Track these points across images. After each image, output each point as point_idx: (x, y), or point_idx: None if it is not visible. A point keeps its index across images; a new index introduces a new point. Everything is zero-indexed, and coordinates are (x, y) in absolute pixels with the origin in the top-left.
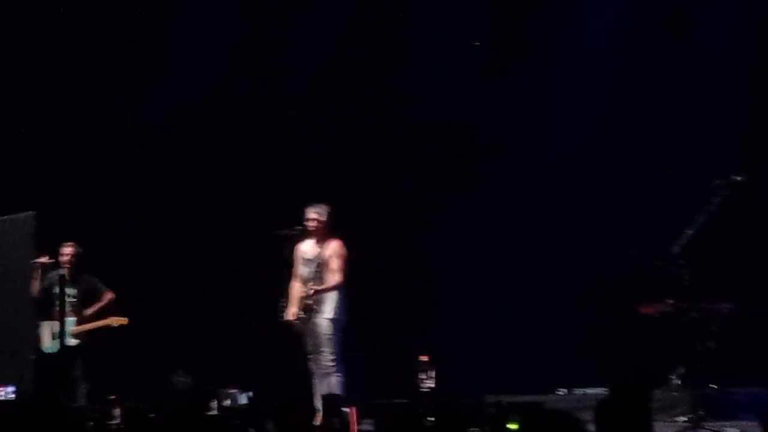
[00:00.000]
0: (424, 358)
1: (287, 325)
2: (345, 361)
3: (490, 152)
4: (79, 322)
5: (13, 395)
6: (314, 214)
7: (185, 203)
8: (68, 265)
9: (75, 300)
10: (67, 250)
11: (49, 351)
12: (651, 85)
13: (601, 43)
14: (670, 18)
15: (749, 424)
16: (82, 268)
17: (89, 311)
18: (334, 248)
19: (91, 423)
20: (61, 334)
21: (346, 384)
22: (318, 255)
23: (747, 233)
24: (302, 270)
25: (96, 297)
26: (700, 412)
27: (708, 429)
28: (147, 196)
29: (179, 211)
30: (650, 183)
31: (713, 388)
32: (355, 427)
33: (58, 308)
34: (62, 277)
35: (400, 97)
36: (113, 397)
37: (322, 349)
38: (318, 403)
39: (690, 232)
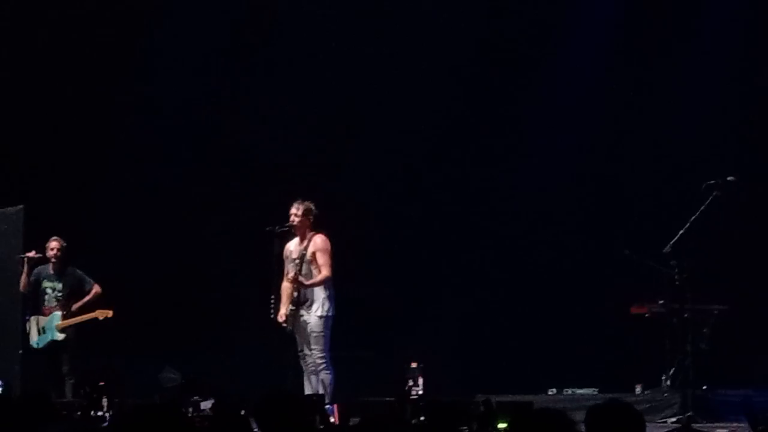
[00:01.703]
0: (414, 365)
1: (277, 325)
2: (335, 358)
3: (480, 152)
4: (65, 317)
5: (1, 389)
6: (294, 209)
7: (175, 196)
8: (54, 260)
9: (61, 294)
10: (53, 245)
11: (37, 346)
12: (643, 87)
13: (599, 42)
14: (666, 17)
15: (739, 425)
16: (68, 262)
17: (76, 306)
18: (316, 243)
19: (79, 413)
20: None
21: (336, 381)
22: (302, 252)
23: (740, 234)
24: (289, 269)
25: (82, 291)
26: (690, 414)
27: (698, 430)
28: (136, 190)
29: (171, 205)
30: (642, 183)
31: (703, 389)
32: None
33: (45, 303)
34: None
35: (394, 98)
36: (102, 384)
37: (312, 346)
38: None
39: (682, 232)
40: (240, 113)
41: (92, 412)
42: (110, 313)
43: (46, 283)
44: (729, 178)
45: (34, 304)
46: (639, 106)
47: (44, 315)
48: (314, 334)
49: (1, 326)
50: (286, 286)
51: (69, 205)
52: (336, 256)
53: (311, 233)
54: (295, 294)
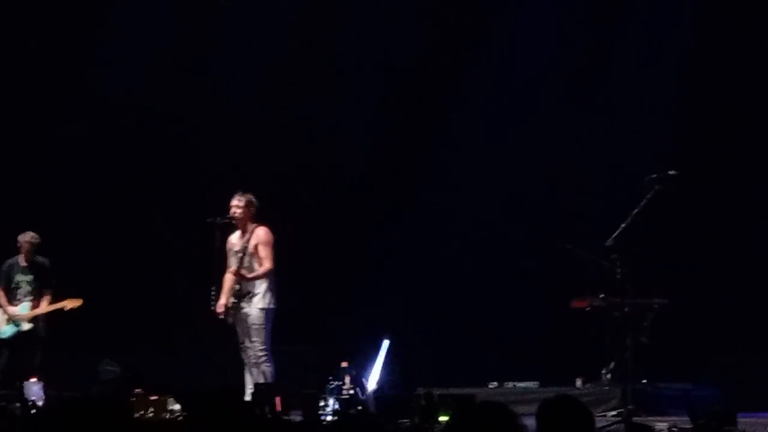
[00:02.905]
0: (344, 364)
1: (217, 316)
2: (275, 351)
3: (420, 147)
4: (33, 308)
5: None
6: (235, 201)
7: (115, 189)
8: (25, 253)
9: (30, 287)
10: (26, 238)
11: (4, 336)
12: (587, 81)
13: (537, 36)
14: (609, 16)
15: (679, 419)
16: (38, 254)
17: (46, 306)
18: (258, 236)
19: (18, 405)
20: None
21: (276, 374)
22: (244, 245)
23: (680, 228)
24: (231, 261)
25: (50, 279)
26: (630, 407)
27: (638, 423)
28: (76, 183)
29: (110, 196)
30: (583, 176)
31: (643, 382)
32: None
33: (18, 296)
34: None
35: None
36: (34, 379)
37: (252, 339)
38: (249, 392)
39: (624, 226)
40: (183, 111)
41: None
42: (79, 302)
43: (19, 276)
44: (671, 172)
45: (8, 297)
46: (579, 99)
47: (16, 305)
48: (255, 327)
49: None
50: (228, 278)
51: (12, 198)
52: (274, 245)
53: (253, 225)
54: (237, 286)
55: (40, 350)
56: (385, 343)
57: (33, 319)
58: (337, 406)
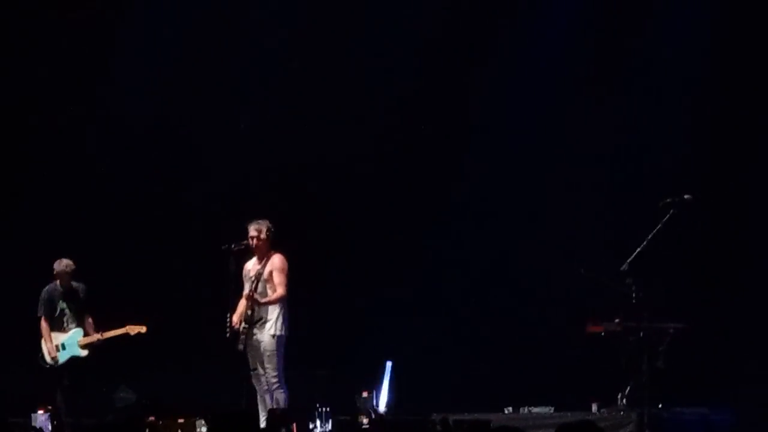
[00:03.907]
0: (365, 394)
1: (232, 340)
2: (288, 377)
3: (447, 167)
4: (87, 334)
5: None
6: (254, 231)
7: (132, 216)
8: (61, 280)
9: (72, 313)
10: (61, 267)
11: (55, 363)
12: (602, 104)
13: (552, 59)
14: (620, 33)
15: None
16: (72, 280)
17: (107, 334)
18: (274, 263)
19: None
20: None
21: (291, 401)
22: (259, 271)
23: (696, 252)
24: (247, 287)
25: (88, 304)
26: None
27: None
28: (96, 208)
29: (128, 224)
30: (599, 201)
31: (659, 407)
32: None
33: (65, 323)
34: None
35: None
36: (49, 408)
37: (265, 365)
38: (263, 418)
39: (639, 250)
40: (199, 136)
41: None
42: (144, 329)
43: (60, 304)
44: (686, 197)
45: (51, 323)
46: (594, 123)
47: (64, 333)
48: (267, 353)
49: None
50: (241, 303)
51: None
52: (288, 273)
53: (270, 252)
54: (249, 312)
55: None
56: (388, 365)
57: (85, 345)
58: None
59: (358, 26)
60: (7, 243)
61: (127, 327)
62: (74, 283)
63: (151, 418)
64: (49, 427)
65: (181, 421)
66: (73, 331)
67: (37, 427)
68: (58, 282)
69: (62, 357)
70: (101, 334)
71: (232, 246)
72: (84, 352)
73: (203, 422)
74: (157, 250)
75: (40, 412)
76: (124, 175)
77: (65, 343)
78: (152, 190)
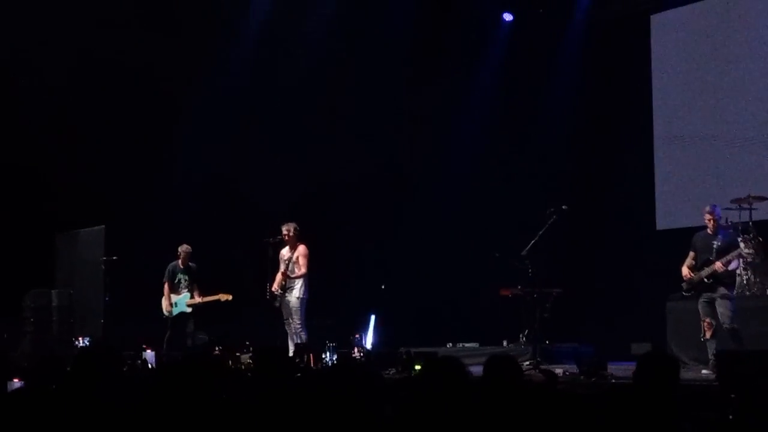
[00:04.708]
0: (357, 336)
1: (272, 300)
2: (308, 325)
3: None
4: (192, 297)
5: (88, 342)
6: (285, 230)
7: (203, 224)
8: (182, 259)
9: (188, 282)
10: (185, 248)
11: (169, 315)
12: (514, 143)
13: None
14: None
15: (569, 366)
16: (189, 260)
17: (201, 298)
18: (299, 251)
19: (139, 362)
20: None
21: (309, 339)
22: (289, 256)
23: (569, 243)
24: (282, 266)
25: (198, 278)
26: (538, 359)
27: (543, 369)
28: (180, 213)
29: (202, 227)
30: (510, 209)
31: (546, 343)
32: (312, 365)
33: (180, 288)
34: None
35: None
36: (149, 350)
37: (293, 317)
38: (291, 351)
39: (533, 241)
40: (249, 169)
41: (137, 363)
42: (230, 297)
43: (179, 275)
44: (563, 207)
45: (171, 288)
46: (507, 158)
47: (178, 295)
48: (294, 309)
49: (88, 305)
50: (278, 277)
51: (132, 224)
52: (309, 257)
53: (297, 243)
54: (283, 282)
55: (192, 323)
56: (372, 318)
57: (191, 305)
58: (335, 357)
59: None
60: (157, 238)
61: (219, 294)
62: (190, 263)
63: (217, 351)
64: (154, 361)
65: (238, 354)
66: (184, 294)
67: (147, 360)
68: (180, 260)
69: (174, 311)
70: (202, 298)
71: (271, 239)
72: (189, 310)
73: (248, 356)
74: (229, 246)
75: (149, 350)
76: (209, 202)
77: (177, 302)
78: (224, 209)
